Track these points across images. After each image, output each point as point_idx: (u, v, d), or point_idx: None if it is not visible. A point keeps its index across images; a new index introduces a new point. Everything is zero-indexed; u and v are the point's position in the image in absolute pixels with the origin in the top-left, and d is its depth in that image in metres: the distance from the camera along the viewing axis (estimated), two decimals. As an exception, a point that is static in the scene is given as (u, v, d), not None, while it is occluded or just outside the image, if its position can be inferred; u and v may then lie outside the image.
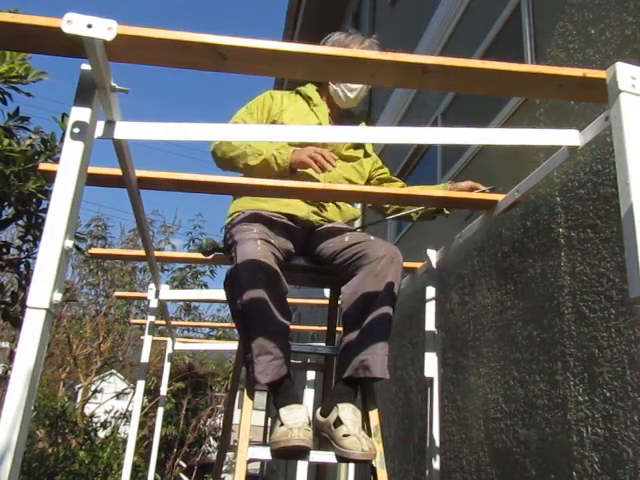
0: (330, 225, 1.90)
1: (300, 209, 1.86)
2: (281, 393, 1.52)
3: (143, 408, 7.53)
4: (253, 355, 1.50)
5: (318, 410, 1.60)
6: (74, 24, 0.99)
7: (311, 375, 3.56)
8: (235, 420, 2.12)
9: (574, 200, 1.86)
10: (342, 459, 1.44)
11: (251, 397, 1.56)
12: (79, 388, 10.06)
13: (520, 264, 2.14)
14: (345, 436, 1.42)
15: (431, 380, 2.19)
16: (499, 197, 1.92)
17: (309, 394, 3.46)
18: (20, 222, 3.33)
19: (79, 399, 9.25)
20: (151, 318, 2.94)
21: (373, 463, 1.48)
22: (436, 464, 2.11)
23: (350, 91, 1.99)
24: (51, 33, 1.03)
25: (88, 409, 8.99)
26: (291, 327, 1.60)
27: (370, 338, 1.59)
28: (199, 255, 2.33)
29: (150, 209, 10.78)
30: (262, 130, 1.41)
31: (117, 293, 6.56)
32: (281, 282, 1.59)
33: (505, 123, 2.45)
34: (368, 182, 2.10)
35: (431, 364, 2.19)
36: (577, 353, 1.73)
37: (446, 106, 3.33)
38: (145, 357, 3.02)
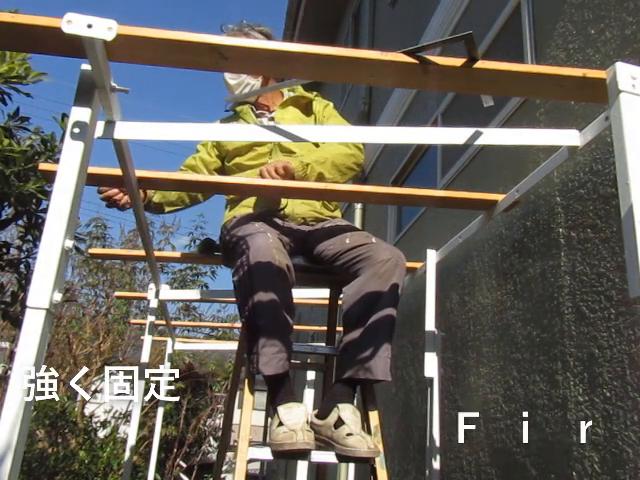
0: (330, 224, 1.89)
1: (285, 204, 1.90)
2: (280, 390, 1.51)
3: (143, 408, 7.53)
4: (258, 346, 1.48)
5: (313, 413, 1.58)
6: (74, 24, 0.99)
7: (311, 375, 3.56)
8: (235, 420, 2.11)
9: (574, 200, 1.86)
10: (346, 458, 1.42)
11: (251, 392, 1.55)
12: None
13: (520, 264, 2.14)
14: (349, 435, 1.41)
15: (431, 380, 2.19)
16: (499, 197, 1.92)
17: (309, 394, 3.46)
18: (20, 222, 3.33)
19: (79, 399, 9.23)
20: (151, 318, 2.94)
21: (373, 463, 1.47)
22: (436, 464, 2.11)
23: (230, 79, 2.04)
24: (51, 33, 1.03)
25: (88, 409, 8.98)
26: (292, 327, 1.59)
27: (373, 339, 1.57)
28: (199, 255, 2.34)
29: (150, 209, 10.75)
30: (258, 130, 1.41)
31: (117, 293, 6.56)
32: (292, 275, 1.58)
33: (505, 123, 2.45)
34: None
35: (431, 364, 2.18)
36: (577, 353, 1.73)
37: (446, 106, 3.33)
38: (145, 357, 3.02)
